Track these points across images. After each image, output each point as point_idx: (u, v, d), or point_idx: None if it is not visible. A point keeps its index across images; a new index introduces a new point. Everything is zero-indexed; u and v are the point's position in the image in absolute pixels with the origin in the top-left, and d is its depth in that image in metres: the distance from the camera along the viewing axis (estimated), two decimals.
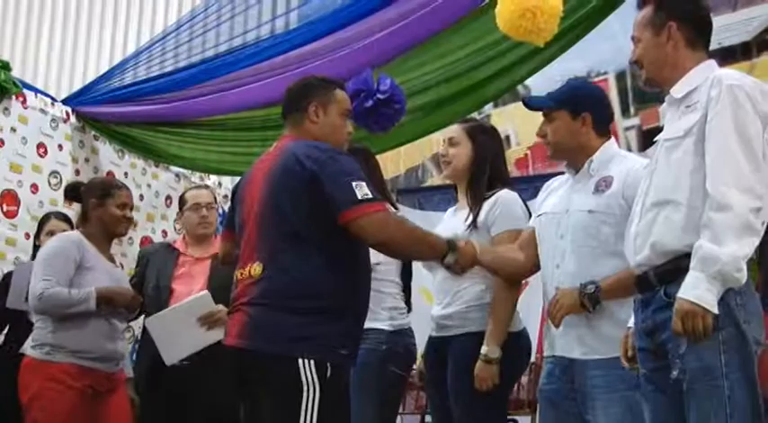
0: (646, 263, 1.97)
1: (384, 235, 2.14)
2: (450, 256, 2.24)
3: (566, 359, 2.33)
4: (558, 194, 2.48)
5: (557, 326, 2.33)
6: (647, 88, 2.18)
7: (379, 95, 3.44)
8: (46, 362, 3.00)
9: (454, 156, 2.78)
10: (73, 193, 3.37)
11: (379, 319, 2.80)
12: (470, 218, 2.68)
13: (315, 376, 2.08)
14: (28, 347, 3.13)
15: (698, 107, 1.95)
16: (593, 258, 2.31)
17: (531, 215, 2.69)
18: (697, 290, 1.79)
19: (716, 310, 1.79)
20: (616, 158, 2.41)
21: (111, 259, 3.33)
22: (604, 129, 2.47)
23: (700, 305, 1.78)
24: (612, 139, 2.51)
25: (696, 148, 1.92)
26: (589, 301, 2.27)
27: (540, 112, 2.50)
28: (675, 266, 1.90)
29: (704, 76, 2.00)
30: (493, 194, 2.70)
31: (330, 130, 2.36)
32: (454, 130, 2.84)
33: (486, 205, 2.68)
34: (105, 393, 3.10)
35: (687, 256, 1.86)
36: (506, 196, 2.69)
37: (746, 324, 1.85)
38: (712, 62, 2.07)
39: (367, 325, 2.77)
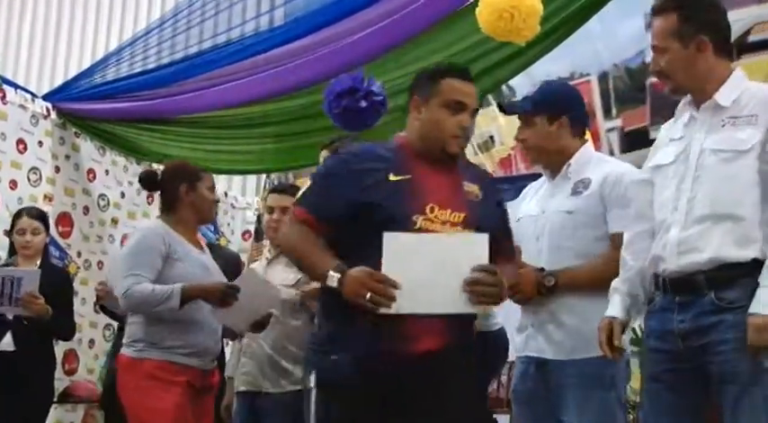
0: (694, 269, 1.97)
1: (280, 240, 2.25)
2: (332, 279, 1.99)
3: (540, 359, 2.35)
4: (536, 197, 2.50)
5: (516, 302, 2.40)
6: (675, 97, 2.18)
7: (375, 97, 3.44)
8: (139, 360, 2.82)
9: None
10: (150, 181, 3.10)
11: None
12: None
13: None
14: (123, 346, 2.92)
15: (758, 122, 1.97)
16: (568, 259, 2.33)
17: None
18: None
19: None
20: (593, 161, 2.43)
21: (200, 246, 3.08)
22: (580, 130, 2.49)
23: None
24: (589, 141, 2.53)
25: (757, 164, 1.95)
26: (547, 292, 2.32)
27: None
28: (730, 274, 1.93)
29: (742, 86, 2.05)
30: None
31: None
32: None
33: None
34: (201, 391, 2.90)
35: (741, 265, 1.92)
36: None
37: None
38: (739, 70, 2.10)
39: None
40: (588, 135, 5.04)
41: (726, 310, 1.92)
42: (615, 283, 2.16)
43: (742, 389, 1.89)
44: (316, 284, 2.83)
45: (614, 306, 2.14)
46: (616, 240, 2.24)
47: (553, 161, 2.45)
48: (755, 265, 1.92)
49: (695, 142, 2.04)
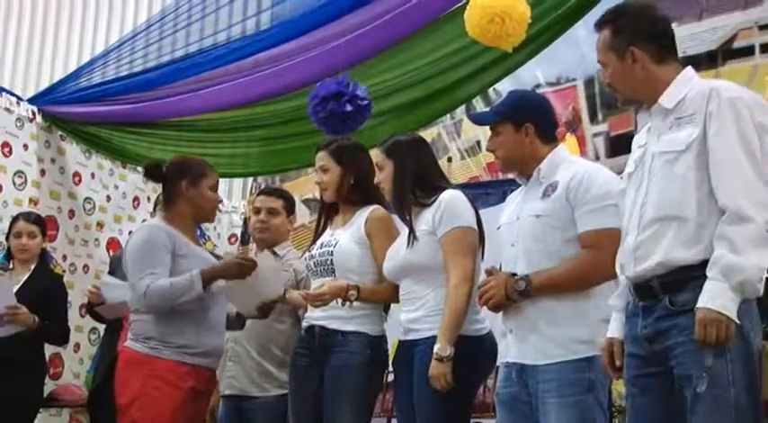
0: (649, 274, 1.97)
1: None
2: None
3: (519, 364, 2.36)
4: (514, 204, 2.51)
5: (489, 309, 2.41)
6: (628, 106, 2.19)
7: (360, 102, 3.45)
8: (151, 357, 2.74)
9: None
10: (154, 172, 2.96)
11: (362, 323, 2.82)
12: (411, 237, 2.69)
13: None
14: (128, 341, 2.84)
15: (695, 120, 1.96)
16: (540, 263, 2.33)
17: (478, 216, 2.70)
18: (721, 299, 1.81)
19: (738, 320, 1.82)
20: (563, 164, 2.43)
21: (199, 245, 3.04)
22: (550, 136, 2.49)
23: (724, 314, 1.80)
24: (561, 145, 2.53)
25: (698, 163, 1.93)
26: (519, 296, 2.32)
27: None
28: (682, 277, 1.92)
29: (688, 85, 2.03)
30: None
31: None
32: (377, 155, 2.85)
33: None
34: (203, 394, 2.87)
35: (692, 267, 1.90)
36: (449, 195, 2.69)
37: (751, 332, 1.89)
38: (689, 69, 2.09)
39: (350, 328, 2.80)
40: (573, 140, 5.06)
41: (678, 314, 1.91)
42: (612, 299, 2.16)
43: (694, 393, 1.87)
44: (311, 290, 2.83)
45: (612, 325, 2.14)
46: (585, 240, 2.27)
47: (524, 168, 2.47)
48: (705, 265, 1.89)
49: (649, 148, 2.06)
